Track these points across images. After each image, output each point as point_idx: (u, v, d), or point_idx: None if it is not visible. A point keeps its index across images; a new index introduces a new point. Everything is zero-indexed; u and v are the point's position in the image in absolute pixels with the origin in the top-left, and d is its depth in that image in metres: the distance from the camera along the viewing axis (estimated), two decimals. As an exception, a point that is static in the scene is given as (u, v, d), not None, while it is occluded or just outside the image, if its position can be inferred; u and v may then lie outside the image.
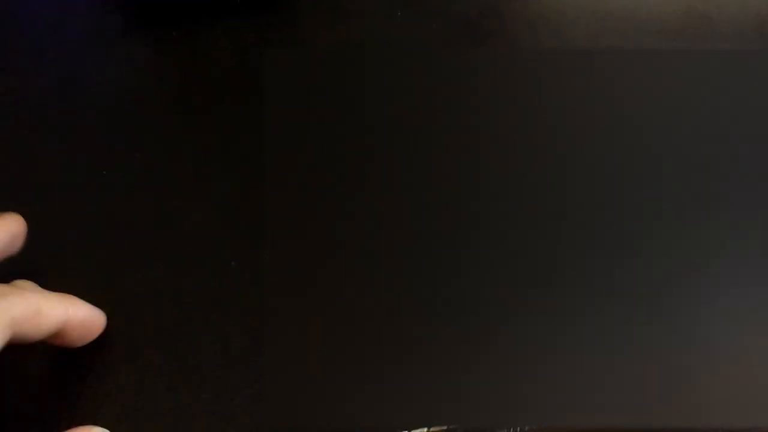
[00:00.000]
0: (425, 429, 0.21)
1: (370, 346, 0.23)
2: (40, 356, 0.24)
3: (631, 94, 0.24)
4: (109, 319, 0.24)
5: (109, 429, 0.22)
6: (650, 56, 0.24)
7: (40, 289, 0.23)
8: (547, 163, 0.25)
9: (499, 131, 0.25)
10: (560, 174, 0.25)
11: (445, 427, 0.21)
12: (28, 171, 0.29)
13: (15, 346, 0.21)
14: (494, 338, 0.23)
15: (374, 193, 0.24)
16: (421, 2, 0.37)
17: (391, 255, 0.24)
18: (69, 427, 0.21)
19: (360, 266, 0.24)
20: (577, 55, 0.24)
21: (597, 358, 0.22)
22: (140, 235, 0.27)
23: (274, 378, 0.22)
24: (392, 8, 0.36)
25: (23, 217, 0.25)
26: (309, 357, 0.22)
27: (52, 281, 0.24)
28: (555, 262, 0.24)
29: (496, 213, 0.24)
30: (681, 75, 0.24)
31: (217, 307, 0.25)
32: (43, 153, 0.30)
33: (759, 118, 0.24)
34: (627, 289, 0.23)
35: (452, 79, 0.24)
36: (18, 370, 0.24)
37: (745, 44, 0.30)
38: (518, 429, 0.21)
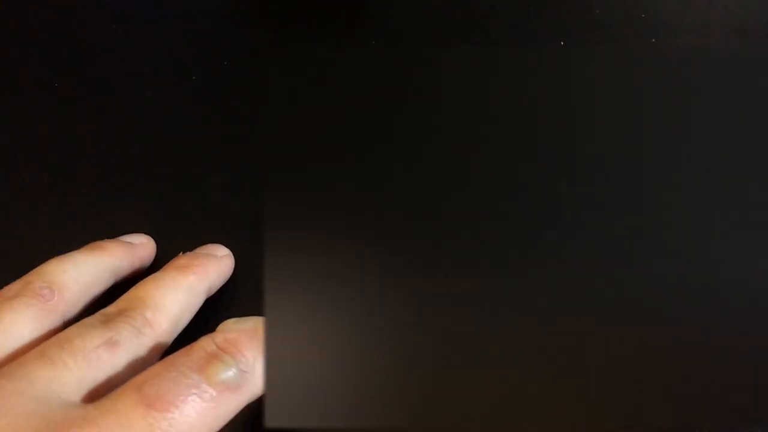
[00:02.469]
0: None
1: (372, 346, 0.23)
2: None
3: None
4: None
5: None
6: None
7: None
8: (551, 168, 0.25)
9: (503, 130, 0.25)
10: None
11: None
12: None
13: None
14: (492, 337, 0.23)
15: (377, 194, 0.24)
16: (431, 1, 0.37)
17: (393, 256, 0.24)
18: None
19: (362, 266, 0.24)
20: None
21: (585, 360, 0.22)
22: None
23: (274, 378, 0.22)
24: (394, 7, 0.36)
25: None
26: (309, 357, 0.22)
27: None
28: (548, 261, 0.24)
29: (499, 217, 0.24)
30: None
31: (216, 308, 0.25)
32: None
33: None
34: (621, 288, 0.23)
35: (455, 78, 0.24)
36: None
37: None
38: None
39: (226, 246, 0.26)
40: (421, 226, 0.24)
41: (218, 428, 0.18)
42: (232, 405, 0.18)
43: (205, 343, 0.19)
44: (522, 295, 0.23)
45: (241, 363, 0.19)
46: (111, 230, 0.26)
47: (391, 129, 0.24)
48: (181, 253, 0.24)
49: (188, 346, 0.19)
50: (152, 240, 0.26)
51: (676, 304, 0.23)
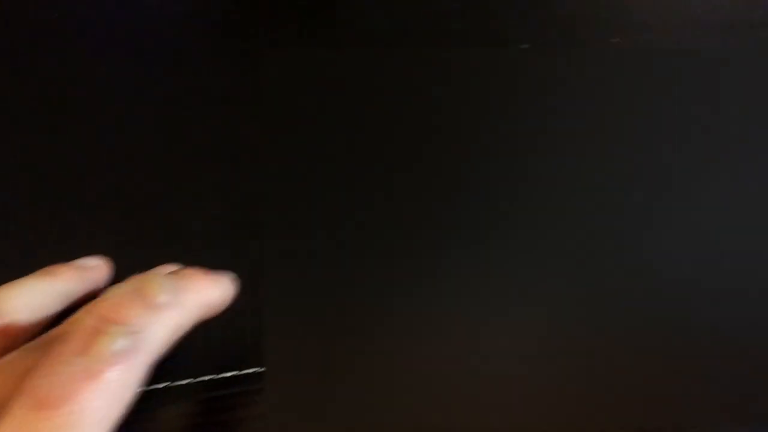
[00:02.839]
0: None
1: (374, 351, 0.23)
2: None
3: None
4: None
5: None
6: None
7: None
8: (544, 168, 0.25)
9: (503, 130, 0.25)
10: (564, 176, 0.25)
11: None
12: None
13: None
14: (491, 337, 0.23)
15: (375, 194, 0.24)
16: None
17: (392, 257, 0.24)
18: None
19: (360, 268, 0.24)
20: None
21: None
22: (134, 236, 0.27)
23: (274, 383, 0.22)
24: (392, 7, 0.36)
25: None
26: (310, 361, 0.22)
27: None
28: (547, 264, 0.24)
29: (497, 216, 0.24)
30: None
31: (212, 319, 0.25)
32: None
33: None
34: (622, 288, 0.23)
35: (454, 78, 0.24)
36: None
37: None
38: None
39: (225, 251, 0.26)
40: (420, 225, 0.24)
41: (132, 395, 0.17)
42: (136, 371, 0.17)
43: (84, 321, 0.18)
44: (521, 294, 0.23)
45: (130, 326, 0.17)
46: (110, 229, 0.26)
47: (390, 128, 0.24)
48: (135, 274, 0.24)
49: (68, 330, 0.18)
50: (106, 262, 0.25)
51: (675, 305, 0.23)
